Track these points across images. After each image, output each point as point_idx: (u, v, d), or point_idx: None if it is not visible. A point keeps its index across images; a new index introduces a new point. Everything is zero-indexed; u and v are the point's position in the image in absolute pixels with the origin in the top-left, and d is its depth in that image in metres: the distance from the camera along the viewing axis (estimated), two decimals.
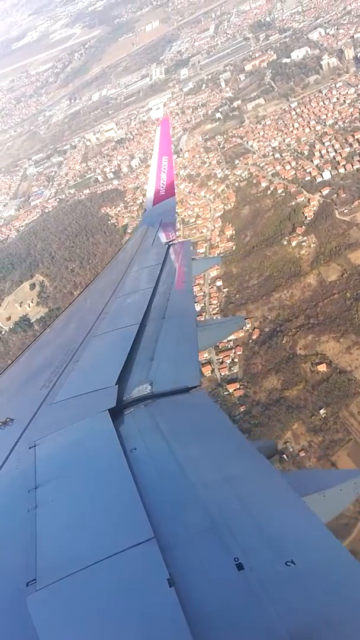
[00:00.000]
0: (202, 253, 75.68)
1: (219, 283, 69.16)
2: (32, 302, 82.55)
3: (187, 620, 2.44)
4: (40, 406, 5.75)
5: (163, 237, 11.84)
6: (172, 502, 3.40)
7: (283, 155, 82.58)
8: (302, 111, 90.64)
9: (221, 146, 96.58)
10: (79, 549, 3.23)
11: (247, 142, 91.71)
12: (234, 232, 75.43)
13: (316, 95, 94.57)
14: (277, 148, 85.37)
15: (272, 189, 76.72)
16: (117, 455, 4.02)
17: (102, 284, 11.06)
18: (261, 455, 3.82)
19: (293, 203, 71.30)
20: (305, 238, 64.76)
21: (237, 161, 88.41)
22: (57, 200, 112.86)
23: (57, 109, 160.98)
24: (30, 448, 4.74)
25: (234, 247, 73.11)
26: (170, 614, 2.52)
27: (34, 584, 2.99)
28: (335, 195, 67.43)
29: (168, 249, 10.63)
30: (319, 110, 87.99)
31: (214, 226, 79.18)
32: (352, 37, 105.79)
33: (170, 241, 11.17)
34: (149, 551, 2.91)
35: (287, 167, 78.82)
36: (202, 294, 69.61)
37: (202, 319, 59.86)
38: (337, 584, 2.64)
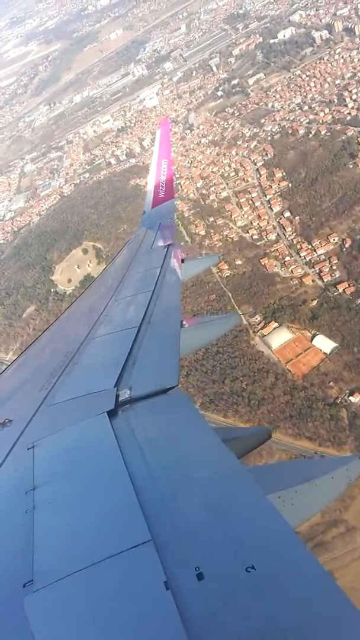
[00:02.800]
0: (254, 196, 80.00)
1: (287, 214, 73.48)
2: (91, 263, 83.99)
3: (184, 624, 2.46)
4: (39, 407, 5.81)
5: (162, 240, 11.95)
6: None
7: (312, 106, 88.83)
8: (313, 73, 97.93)
9: (238, 113, 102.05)
10: (76, 550, 3.28)
11: (267, 105, 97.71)
12: (284, 173, 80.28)
13: (318, 62, 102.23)
14: (301, 103, 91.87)
15: (313, 132, 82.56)
16: (115, 458, 4.06)
17: (101, 286, 11.13)
18: (232, 454, 3.83)
19: (343, 137, 77.35)
20: None
21: (262, 120, 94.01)
22: (72, 185, 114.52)
23: (36, 114, 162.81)
24: (28, 449, 4.77)
25: (290, 184, 77.95)
26: (166, 617, 2.55)
27: (31, 586, 3.03)
28: None
29: (167, 252, 10.80)
30: (332, 70, 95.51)
31: (260, 173, 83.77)
32: (335, 14, 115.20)
33: (169, 244, 11.37)
34: (145, 554, 2.96)
35: (321, 114, 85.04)
36: (272, 226, 73.70)
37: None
38: (296, 588, 2.62)
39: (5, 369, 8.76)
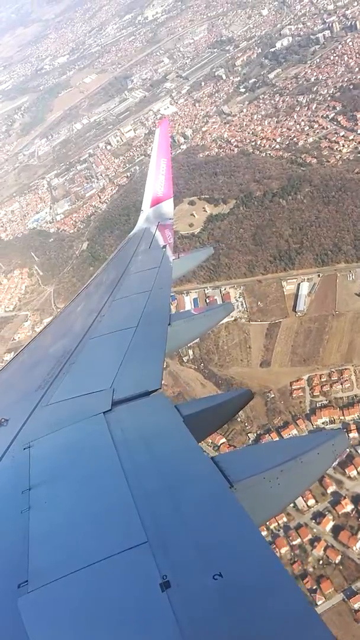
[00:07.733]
0: (343, 134, 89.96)
1: None
2: (206, 209, 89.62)
3: (178, 625, 2.49)
4: (35, 407, 5.87)
5: (160, 240, 12.05)
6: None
7: None
8: (342, 53, 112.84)
9: (281, 92, 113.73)
10: (72, 551, 3.29)
11: (310, 79, 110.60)
12: None
13: (334, 51, 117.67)
14: (348, 68, 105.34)
15: None
16: (111, 458, 4.10)
17: (99, 285, 11.17)
18: (207, 458, 3.89)
19: None
20: None
21: (314, 88, 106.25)
22: (124, 178, 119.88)
23: (35, 147, 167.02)
24: (24, 449, 4.81)
25: None
26: (161, 618, 2.56)
27: (25, 586, 3.03)
28: None
29: (164, 252, 11.01)
30: (358, 48, 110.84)
31: (337, 120, 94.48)
32: (324, 22, 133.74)
33: (166, 244, 11.54)
34: (141, 555, 2.97)
35: None
36: None
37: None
38: (262, 596, 2.63)
39: (2, 368, 8.77)
